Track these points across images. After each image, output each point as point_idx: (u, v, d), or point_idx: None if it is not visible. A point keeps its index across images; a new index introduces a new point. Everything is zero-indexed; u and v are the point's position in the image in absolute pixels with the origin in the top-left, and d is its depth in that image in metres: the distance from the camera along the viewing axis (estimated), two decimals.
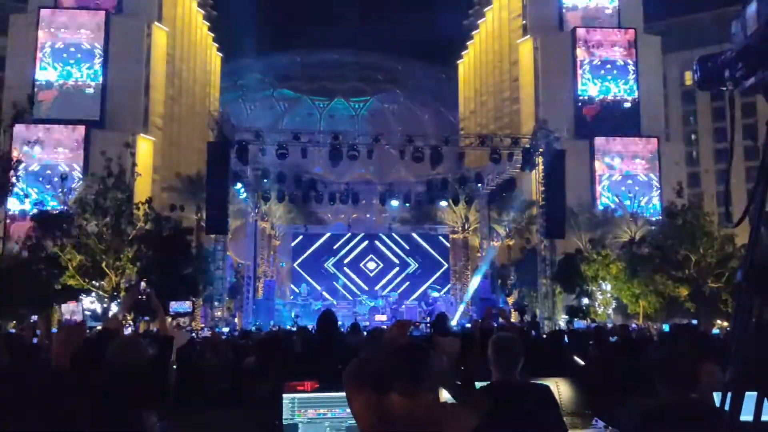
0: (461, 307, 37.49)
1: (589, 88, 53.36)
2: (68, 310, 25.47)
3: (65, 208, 30.60)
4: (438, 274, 41.03)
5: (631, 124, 52.74)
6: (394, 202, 35.68)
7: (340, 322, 8.72)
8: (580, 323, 31.44)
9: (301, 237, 42.35)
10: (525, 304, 32.40)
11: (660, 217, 40.16)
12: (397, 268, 40.53)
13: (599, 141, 51.36)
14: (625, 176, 51.29)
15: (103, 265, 27.96)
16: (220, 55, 71.35)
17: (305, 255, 40.88)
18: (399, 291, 39.79)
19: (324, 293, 39.07)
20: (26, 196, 30.80)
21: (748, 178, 50.84)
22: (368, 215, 58.93)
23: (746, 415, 1.57)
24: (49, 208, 31.73)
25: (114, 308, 26.49)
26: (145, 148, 48.61)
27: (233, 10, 72.59)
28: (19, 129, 37.67)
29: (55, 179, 34.85)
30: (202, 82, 65.88)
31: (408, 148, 27.92)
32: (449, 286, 41.75)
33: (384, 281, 39.98)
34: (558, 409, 3.80)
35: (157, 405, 4.45)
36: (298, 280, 40.92)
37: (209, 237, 33.15)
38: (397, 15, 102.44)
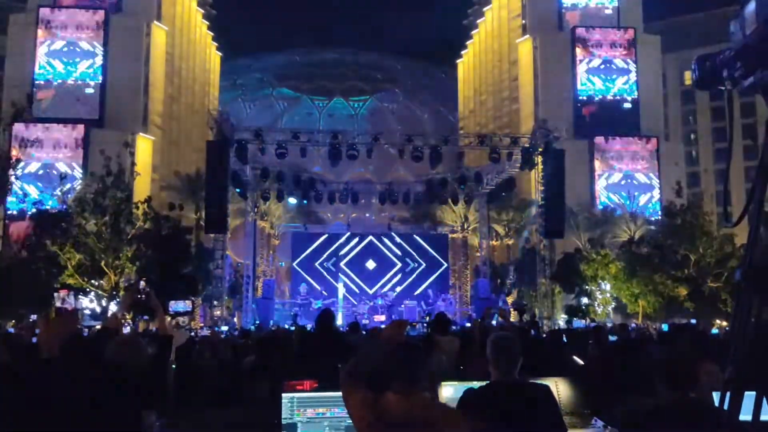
0: (460, 307, 37.55)
1: (589, 87, 53.38)
2: (59, 298, 25.58)
3: (64, 207, 30.57)
4: (437, 273, 41.00)
5: (630, 123, 52.78)
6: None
7: (339, 322, 8.74)
8: (578, 323, 31.45)
9: (300, 236, 42.35)
10: (524, 303, 32.35)
11: (659, 217, 40.21)
12: (396, 268, 40.51)
13: (599, 140, 51.40)
14: (625, 176, 51.32)
15: (102, 264, 27.94)
16: (220, 54, 71.34)
17: (304, 254, 40.86)
18: (398, 290, 39.77)
19: (324, 293, 39.06)
20: (25, 195, 30.80)
21: (747, 177, 50.86)
22: (367, 215, 58.95)
23: (745, 415, 1.57)
24: (48, 207, 31.71)
25: (113, 307, 26.48)
26: (144, 147, 48.61)
27: (232, 10, 72.68)
28: (18, 128, 37.68)
29: (54, 174, 34.86)
30: (201, 81, 65.86)
31: (407, 148, 27.89)
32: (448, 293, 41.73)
33: (383, 280, 39.95)
34: (557, 408, 3.80)
35: (157, 404, 4.45)
36: (298, 279, 40.91)
37: (208, 236, 33.15)
38: (397, 15, 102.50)
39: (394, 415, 2.80)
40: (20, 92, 38.17)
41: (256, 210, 36.75)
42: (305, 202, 37.58)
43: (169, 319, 21.53)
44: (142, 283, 24.24)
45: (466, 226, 44.80)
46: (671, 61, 63.08)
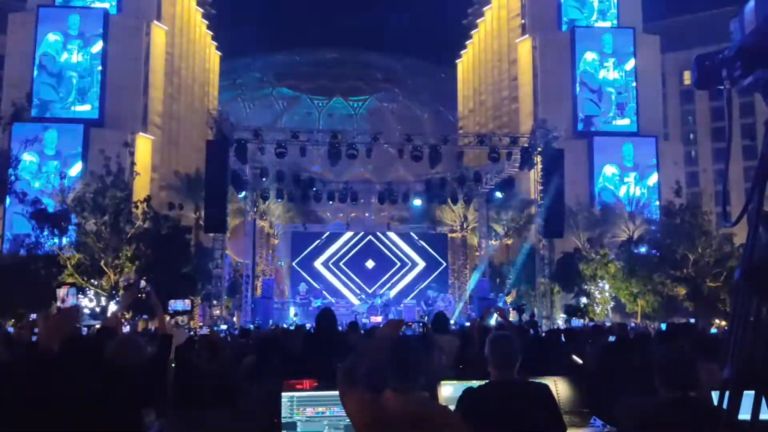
0: (459, 306, 37.52)
1: (588, 87, 53.37)
2: (60, 297, 25.53)
3: (64, 206, 30.57)
4: (436, 273, 41.01)
5: (629, 123, 52.84)
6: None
7: (338, 321, 8.72)
8: (577, 322, 31.47)
9: (299, 236, 42.35)
10: (523, 303, 32.35)
11: (658, 217, 40.18)
12: (395, 267, 40.53)
13: (598, 140, 51.41)
14: (624, 176, 51.35)
15: (102, 263, 27.95)
16: (219, 53, 71.30)
17: (304, 254, 40.86)
18: (398, 290, 39.78)
19: (324, 292, 39.05)
20: (25, 194, 30.76)
21: (746, 177, 50.89)
22: (366, 214, 58.95)
23: (744, 414, 1.57)
24: (47, 206, 31.70)
25: (113, 307, 26.48)
26: (143, 146, 48.62)
27: (232, 9, 72.62)
28: (18, 127, 37.64)
29: (54, 174, 34.85)
30: (201, 80, 65.83)
31: (407, 147, 27.86)
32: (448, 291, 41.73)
33: (382, 280, 39.96)
34: (557, 407, 3.80)
35: (156, 403, 4.45)
36: (297, 278, 40.90)
37: (208, 235, 33.09)
38: (397, 14, 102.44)
39: (392, 414, 2.81)
40: (20, 91, 38.20)
41: (255, 209, 36.74)
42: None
43: (168, 318, 21.50)
44: (143, 282, 24.23)
45: (465, 226, 44.79)
46: (670, 61, 63.11)
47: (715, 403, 1.84)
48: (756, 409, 1.56)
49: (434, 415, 2.91)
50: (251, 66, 79.97)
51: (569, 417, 4.57)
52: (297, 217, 45.60)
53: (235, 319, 34.68)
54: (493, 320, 9.87)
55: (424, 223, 44.19)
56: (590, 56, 53.61)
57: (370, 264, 40.44)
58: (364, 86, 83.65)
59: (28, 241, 29.04)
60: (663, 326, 19.00)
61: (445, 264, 42.08)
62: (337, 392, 3.04)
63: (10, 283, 24.21)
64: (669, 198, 37.80)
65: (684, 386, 3.23)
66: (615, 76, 53.66)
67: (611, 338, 9.71)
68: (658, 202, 46.58)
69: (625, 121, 52.99)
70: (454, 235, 45.59)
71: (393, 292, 39.19)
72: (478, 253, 40.21)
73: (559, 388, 4.78)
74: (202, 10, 65.98)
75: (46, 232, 28.74)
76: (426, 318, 23.91)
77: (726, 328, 22.20)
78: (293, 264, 41.65)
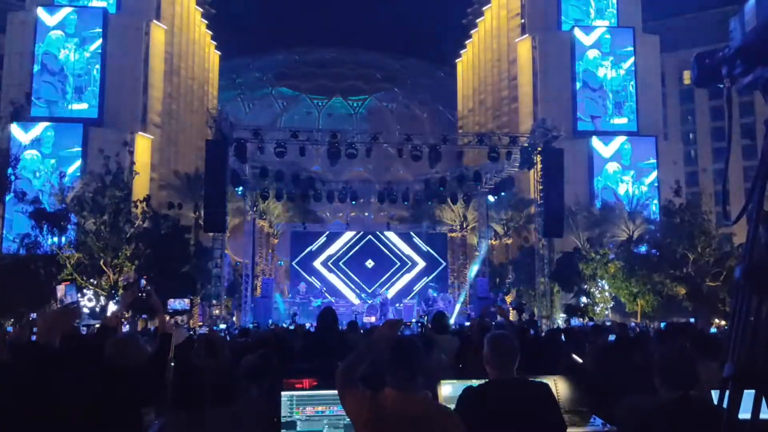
0: (458, 306, 37.51)
1: (588, 86, 53.38)
2: (59, 294, 25.48)
3: (63, 206, 30.56)
4: (436, 272, 41.00)
5: (629, 123, 52.86)
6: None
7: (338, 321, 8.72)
8: (577, 322, 31.47)
9: (299, 235, 42.32)
10: (523, 302, 32.35)
11: (658, 216, 40.19)
12: (395, 267, 40.51)
13: (597, 140, 51.44)
14: (624, 175, 51.37)
15: (102, 263, 27.94)
16: (219, 53, 71.30)
17: (303, 253, 40.84)
18: (397, 290, 39.77)
19: (324, 291, 39.04)
20: (24, 193, 30.73)
21: (746, 177, 50.94)
22: (366, 213, 58.99)
23: (744, 413, 1.57)
24: (47, 205, 31.67)
25: (112, 306, 26.47)
26: (143, 146, 48.59)
27: (232, 9, 72.64)
28: (17, 127, 37.63)
29: (53, 173, 34.82)
30: (200, 80, 65.83)
31: (406, 147, 27.86)
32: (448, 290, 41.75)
33: (382, 279, 39.95)
34: (557, 407, 3.79)
35: (155, 402, 4.45)
36: (297, 278, 40.88)
37: (207, 235, 33.11)
38: (396, 14, 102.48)
39: (390, 412, 2.81)
40: (19, 91, 38.19)
41: (255, 209, 36.73)
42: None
43: (167, 317, 21.52)
44: (143, 282, 24.24)
45: (465, 226, 44.79)
46: (670, 61, 63.13)
47: (715, 402, 1.84)
48: (756, 409, 1.55)
49: (433, 414, 2.92)
50: (251, 65, 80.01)
51: (569, 416, 4.56)
52: (296, 216, 45.57)
53: (234, 318, 34.69)
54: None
55: (423, 223, 44.17)
56: (590, 56, 53.62)
57: (369, 263, 40.42)
58: (364, 86, 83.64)
59: (28, 241, 29.02)
60: (662, 326, 19.01)
61: (444, 264, 42.06)
62: (336, 391, 3.04)
63: (9, 282, 24.19)
64: (668, 197, 37.79)
65: (684, 386, 3.23)
66: (614, 75, 53.67)
67: (611, 338, 9.71)
68: (657, 202, 46.61)
69: (625, 121, 53.02)
70: (453, 234, 45.57)
71: (392, 292, 39.17)
72: (477, 253, 40.23)
73: (559, 387, 4.78)
74: (201, 10, 65.97)
75: (45, 232, 28.72)
76: (426, 318, 23.88)
77: (726, 327, 22.21)
78: (293, 263, 41.63)
